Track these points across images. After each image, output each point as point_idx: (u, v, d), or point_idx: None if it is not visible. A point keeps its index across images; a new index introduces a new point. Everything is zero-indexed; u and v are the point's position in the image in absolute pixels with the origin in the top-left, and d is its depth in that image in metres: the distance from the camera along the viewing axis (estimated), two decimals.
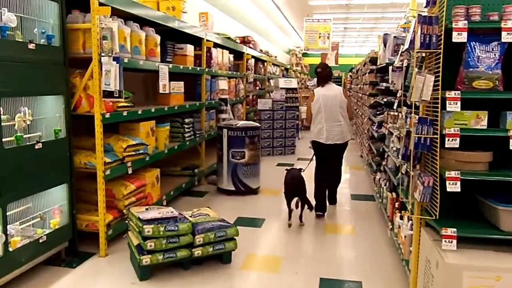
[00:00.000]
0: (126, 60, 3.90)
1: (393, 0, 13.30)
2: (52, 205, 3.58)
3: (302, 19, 16.27)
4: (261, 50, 10.78)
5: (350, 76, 18.71)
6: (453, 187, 2.61)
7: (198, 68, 6.11)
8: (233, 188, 6.02)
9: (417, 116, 2.86)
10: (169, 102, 5.20)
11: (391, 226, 4.31)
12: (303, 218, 4.87)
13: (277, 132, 9.38)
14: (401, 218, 3.85)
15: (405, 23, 5.97)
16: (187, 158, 6.54)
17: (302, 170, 4.93)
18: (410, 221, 3.40)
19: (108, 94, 3.61)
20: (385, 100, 5.86)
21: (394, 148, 4.86)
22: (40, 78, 3.31)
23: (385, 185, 5.19)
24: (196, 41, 6.13)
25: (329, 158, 5.17)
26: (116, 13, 3.83)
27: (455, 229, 2.62)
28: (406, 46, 3.09)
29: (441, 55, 2.66)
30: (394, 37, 4.25)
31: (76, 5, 3.75)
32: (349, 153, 7.57)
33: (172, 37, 5.53)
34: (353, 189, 6.58)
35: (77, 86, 3.69)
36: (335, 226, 4.93)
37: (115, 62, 3.54)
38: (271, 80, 11.78)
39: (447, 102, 2.59)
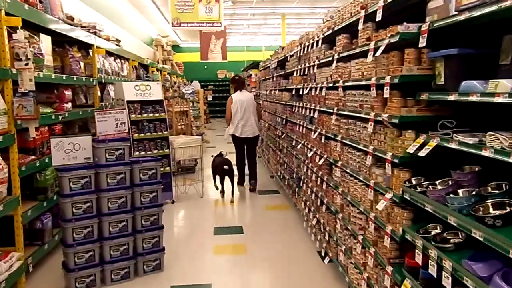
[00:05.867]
0: None
1: None
2: None
3: None
4: (72, 18, 4.81)
5: (255, 76, 12.83)
6: None
7: None
8: None
9: None
10: None
11: None
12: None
13: (111, 224, 3.52)
14: None
15: None
16: None
17: (225, 154, 6.45)
18: None
19: None
20: None
21: None
22: None
23: None
24: None
25: (245, 147, 6.88)
26: None
27: None
28: None
29: None
30: None
31: None
32: None
33: None
34: None
35: None
36: None
37: None
38: (109, 86, 5.86)
39: None
